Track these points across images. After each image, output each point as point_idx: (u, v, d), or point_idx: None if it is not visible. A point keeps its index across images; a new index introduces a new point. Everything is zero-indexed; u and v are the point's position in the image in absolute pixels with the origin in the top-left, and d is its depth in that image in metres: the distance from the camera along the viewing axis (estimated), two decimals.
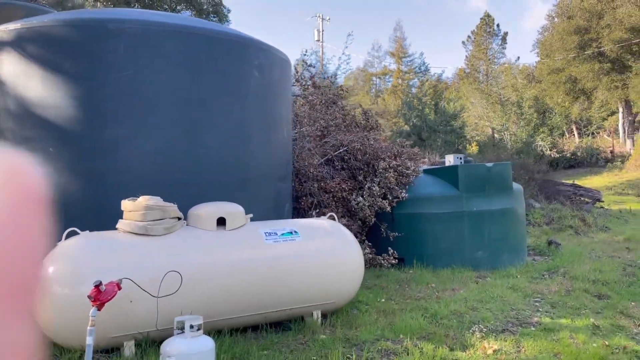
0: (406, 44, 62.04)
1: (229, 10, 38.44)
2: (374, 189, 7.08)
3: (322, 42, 43.12)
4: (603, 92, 36.47)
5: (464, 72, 61.17)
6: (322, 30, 43.66)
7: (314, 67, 10.35)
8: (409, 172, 7.34)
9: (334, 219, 5.02)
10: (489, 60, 57.13)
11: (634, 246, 8.88)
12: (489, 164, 7.38)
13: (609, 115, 39.56)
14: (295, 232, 4.40)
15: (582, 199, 14.44)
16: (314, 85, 10.18)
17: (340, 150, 7.93)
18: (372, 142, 7.71)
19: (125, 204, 3.94)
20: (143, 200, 3.95)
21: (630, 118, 35.91)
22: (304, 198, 7.30)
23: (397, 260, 7.16)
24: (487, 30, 57.50)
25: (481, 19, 58.65)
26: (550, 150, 32.29)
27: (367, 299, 5.37)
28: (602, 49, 33.86)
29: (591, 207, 13.84)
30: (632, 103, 34.56)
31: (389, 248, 7.13)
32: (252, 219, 5.13)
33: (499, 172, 7.43)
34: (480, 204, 7.27)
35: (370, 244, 7.38)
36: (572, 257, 7.83)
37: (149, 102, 4.69)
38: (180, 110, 4.81)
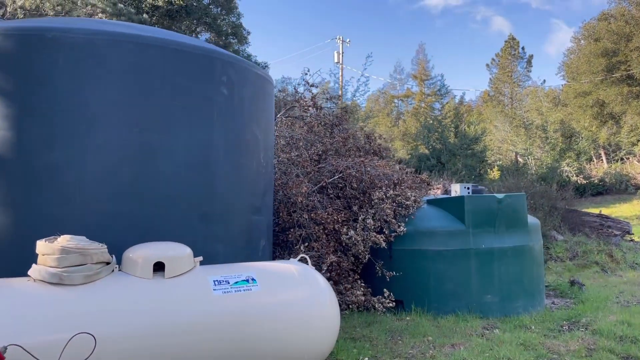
0: (429, 66, 61.48)
1: (248, 32, 38.42)
2: (368, 221, 6.30)
3: (341, 64, 42.79)
4: (632, 117, 35.08)
5: (488, 94, 60.15)
6: (342, 53, 43.30)
7: (316, 87, 9.68)
8: (408, 202, 6.54)
9: (305, 262, 4.26)
10: (514, 83, 56.06)
11: None
12: (500, 195, 6.54)
13: (638, 141, 37.99)
14: (252, 279, 3.65)
15: (609, 230, 13.34)
16: (315, 107, 9.51)
17: (335, 177, 7.19)
18: (369, 169, 6.95)
19: (40, 246, 3.26)
20: (61, 240, 3.26)
21: None
22: (292, 230, 6.56)
23: (394, 302, 6.33)
24: (512, 53, 56.60)
25: (506, 41, 57.81)
26: (577, 176, 30.96)
27: (349, 356, 4.56)
28: (631, 71, 32.64)
29: (620, 240, 12.75)
30: None
31: (385, 289, 6.30)
32: (217, 259, 4.42)
33: (511, 204, 6.58)
34: (489, 241, 6.42)
35: (364, 284, 6.57)
36: (597, 302, 6.88)
37: (91, 122, 4.04)
38: (129, 132, 4.14)
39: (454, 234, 6.41)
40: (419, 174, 27.92)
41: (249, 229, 4.99)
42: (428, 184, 8.85)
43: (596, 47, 34.94)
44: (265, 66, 39.36)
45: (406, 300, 6.49)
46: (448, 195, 7.33)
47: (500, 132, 38.61)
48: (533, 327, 5.68)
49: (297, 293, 3.79)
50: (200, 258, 3.73)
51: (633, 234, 13.35)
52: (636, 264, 10.55)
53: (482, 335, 5.30)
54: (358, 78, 66.55)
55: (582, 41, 39.60)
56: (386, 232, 6.46)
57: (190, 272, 3.54)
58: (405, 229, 6.45)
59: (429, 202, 7.09)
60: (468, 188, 7.05)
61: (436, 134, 31.47)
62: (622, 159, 38.34)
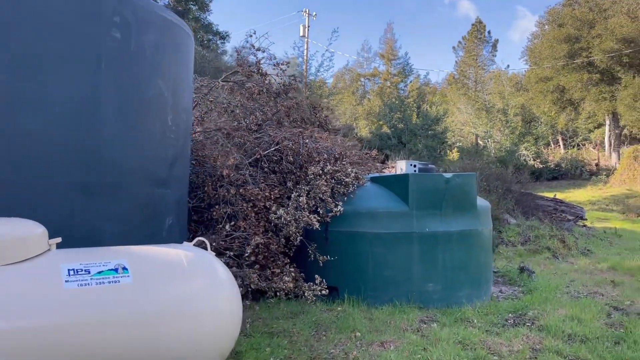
0: (396, 45, 60.77)
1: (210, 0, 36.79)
2: (300, 199, 5.59)
3: (307, 38, 41.61)
4: (591, 104, 35.40)
5: (453, 77, 60.00)
6: (308, 26, 42.10)
7: (264, 51, 8.82)
8: (347, 180, 5.85)
9: (203, 246, 3.52)
10: (479, 66, 56.05)
11: (620, 279, 7.50)
12: (448, 175, 5.92)
13: (595, 127, 38.57)
14: (123, 268, 2.88)
15: (563, 215, 13.10)
16: (260, 73, 8.66)
17: (271, 149, 6.42)
18: (307, 141, 6.21)
19: None
20: None
21: (617, 131, 34.88)
22: (217, 207, 5.80)
23: (328, 289, 5.67)
24: (479, 37, 56.40)
25: (472, 25, 57.57)
26: (534, 160, 31.11)
27: (258, 357, 3.87)
28: (591, 58, 32.76)
29: (573, 225, 12.50)
30: (619, 116, 33.51)
31: (317, 275, 5.63)
32: (103, 240, 3.66)
33: (460, 184, 5.98)
34: (435, 224, 5.82)
35: (296, 268, 5.89)
36: (546, 292, 6.41)
37: None
38: None
39: (396, 216, 5.77)
40: (380, 152, 27.27)
41: (149, 205, 4.20)
42: (382, 162, 8.20)
43: (559, 33, 34.88)
44: (226, 35, 37.94)
45: (341, 287, 5.85)
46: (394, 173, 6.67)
47: (463, 114, 38.49)
48: (475, 320, 5.12)
49: (183, 286, 3.05)
50: (58, 239, 2.93)
51: (586, 219, 13.14)
52: (588, 250, 10.26)
53: (418, 331, 4.70)
54: (323, 53, 65.20)
55: (546, 26, 39.57)
56: (321, 212, 5.77)
57: (37, 258, 2.75)
58: (342, 209, 5.78)
59: (373, 179, 6.43)
60: (414, 165, 6.41)
61: (398, 113, 30.99)
62: (578, 145, 38.89)
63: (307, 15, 41.93)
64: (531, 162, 30.28)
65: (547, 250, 9.89)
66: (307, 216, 5.45)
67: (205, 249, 3.47)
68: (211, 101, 7.55)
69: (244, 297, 5.36)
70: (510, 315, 5.41)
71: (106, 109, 3.77)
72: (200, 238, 3.53)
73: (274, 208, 5.58)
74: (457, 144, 34.20)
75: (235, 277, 5.16)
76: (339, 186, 5.90)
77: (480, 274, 6.15)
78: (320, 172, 5.81)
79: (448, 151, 30.98)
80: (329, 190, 5.80)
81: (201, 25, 34.71)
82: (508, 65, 71.97)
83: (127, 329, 2.76)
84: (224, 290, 3.24)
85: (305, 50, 41.72)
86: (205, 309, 3.10)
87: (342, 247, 5.88)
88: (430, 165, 7.60)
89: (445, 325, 4.91)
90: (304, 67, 39.23)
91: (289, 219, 5.45)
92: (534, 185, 25.45)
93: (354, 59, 62.73)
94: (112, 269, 2.85)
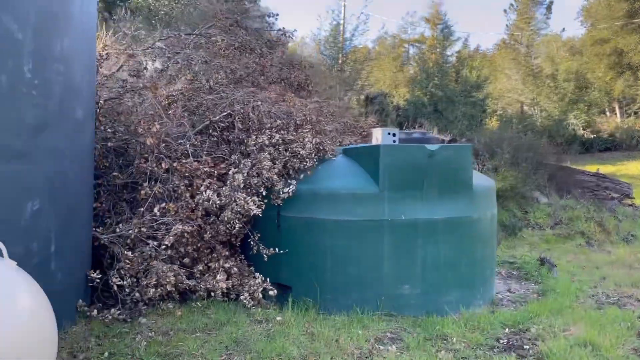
0: (442, 10, 57.65)
1: None
2: (237, 177, 4.42)
3: (344, 1, 39.70)
4: None
5: (504, 42, 56.55)
6: None
7: (247, 3, 7.57)
8: (303, 152, 4.62)
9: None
10: (532, 30, 52.45)
11: None
12: (433, 146, 4.60)
13: None
14: None
15: (606, 192, 11.39)
16: (239, 25, 7.46)
17: (222, 115, 5.25)
18: (258, 103, 4.99)
19: None
20: None
21: None
22: (144, 185, 4.72)
23: (275, 290, 4.54)
24: None
25: None
26: (584, 129, 28.63)
27: None
28: None
29: (617, 205, 10.80)
30: None
31: (257, 273, 4.50)
32: None
33: (449, 159, 4.65)
34: (413, 210, 4.54)
35: (244, 262, 4.78)
36: (564, 296, 5.06)
37: None
38: None
39: (363, 199, 4.53)
40: (414, 122, 25.67)
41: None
42: (364, 132, 6.90)
43: None
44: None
45: (295, 287, 4.70)
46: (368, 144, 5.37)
47: (511, 80, 35.96)
48: (455, 339, 3.88)
49: None
50: None
51: (633, 197, 11.38)
52: (631, 236, 8.65)
53: (367, 358, 3.51)
54: (358, 16, 62.89)
55: None
56: (263, 194, 4.58)
57: None
58: (294, 189, 4.57)
59: (347, 152, 5.17)
60: (393, 135, 5.08)
61: (435, 79, 29.01)
62: (636, 113, 35.71)
63: None
64: (580, 132, 27.87)
65: (580, 236, 8.39)
66: (243, 199, 4.28)
67: (1, 255, 2.37)
68: (168, 57, 6.42)
69: (165, 297, 4.31)
70: (505, 331, 4.13)
71: None
72: None
73: (202, 188, 4.44)
74: (499, 112, 31.92)
75: (151, 274, 4.11)
76: (294, 160, 4.68)
77: (475, 273, 4.86)
78: (267, 142, 4.60)
79: (486, 120, 28.88)
80: (280, 165, 4.60)
81: None
82: (563, 29, 67.33)
83: None
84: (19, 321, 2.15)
85: (343, 15, 39.86)
86: None
87: (296, 237, 4.70)
88: (429, 135, 6.26)
89: (409, 347, 3.70)
90: (341, 30, 37.44)
91: (217, 201, 4.31)
92: (583, 157, 23.30)
93: (394, 22, 60.06)
94: None
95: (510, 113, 31.86)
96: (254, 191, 4.50)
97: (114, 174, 4.96)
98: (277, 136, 4.61)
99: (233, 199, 4.32)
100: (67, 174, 3.71)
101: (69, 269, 3.78)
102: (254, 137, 4.68)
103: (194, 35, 6.82)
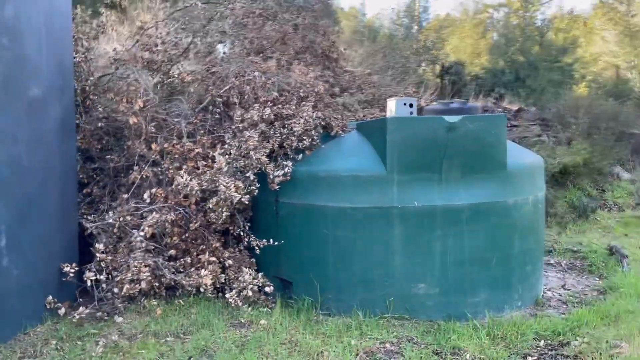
0: None
1: None
2: (218, 158, 3.88)
3: None
4: None
5: (602, 1, 51.63)
6: None
7: None
8: (297, 128, 3.98)
9: None
10: None
11: None
12: (453, 118, 3.80)
13: None
14: None
15: None
16: None
17: (225, 89, 4.72)
18: (254, 74, 4.39)
19: None
20: None
21: None
22: (135, 169, 4.33)
23: (272, 287, 4.00)
24: None
25: None
26: None
27: None
28: None
29: None
30: None
31: (246, 269, 3.97)
32: None
33: (474, 134, 3.83)
34: (429, 195, 3.80)
35: (239, 253, 4.27)
36: (626, 299, 4.12)
37: None
38: None
39: (367, 182, 3.84)
40: (492, 91, 23.94)
41: None
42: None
43: None
44: None
45: (296, 283, 4.13)
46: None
47: (606, 42, 32.61)
48: (469, 354, 3.15)
49: None
50: None
51: None
52: None
53: None
54: None
55: None
56: (251, 177, 4.01)
57: None
58: (288, 172, 3.97)
59: (359, 127, 4.47)
60: (410, 105, 4.28)
61: (517, 44, 26.81)
62: None
63: None
64: None
65: None
66: (224, 183, 3.74)
67: None
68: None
69: (148, 293, 3.92)
70: (539, 345, 3.34)
71: None
72: None
73: (181, 172, 3.95)
74: (588, 77, 29.07)
75: (125, 269, 3.72)
76: (292, 138, 4.06)
77: (511, 269, 4.03)
78: (259, 118, 4.01)
79: (574, 86, 26.38)
80: (275, 144, 4.00)
81: None
82: None
83: None
84: None
85: None
86: None
87: (295, 226, 4.12)
88: (470, 105, 5.37)
89: None
90: None
91: (198, 188, 3.80)
92: None
93: None
94: None
95: (603, 79, 28.91)
96: (245, 175, 3.94)
97: (109, 157, 4.62)
98: (268, 111, 4.01)
99: (216, 184, 3.80)
100: (19, 161, 3.35)
101: (30, 264, 3.45)
102: (239, 112, 4.10)
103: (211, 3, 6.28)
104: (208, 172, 3.89)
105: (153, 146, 4.35)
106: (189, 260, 4.05)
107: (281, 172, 3.93)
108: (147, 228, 3.85)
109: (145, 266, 3.72)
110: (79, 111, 4.54)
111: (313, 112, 4.10)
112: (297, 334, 3.40)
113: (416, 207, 3.78)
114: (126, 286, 3.71)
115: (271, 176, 3.90)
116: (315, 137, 4.09)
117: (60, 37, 3.77)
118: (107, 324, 3.67)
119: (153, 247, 3.97)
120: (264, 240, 4.03)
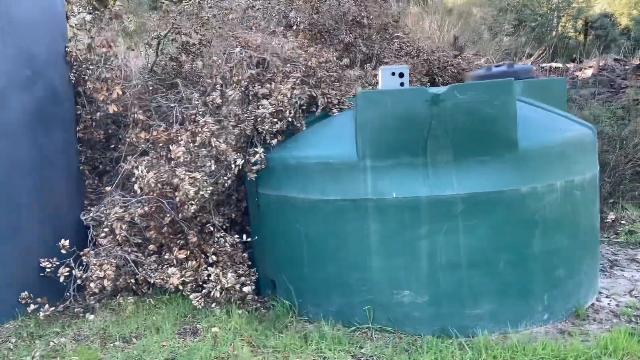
0: None
1: None
2: (175, 149, 3.53)
3: None
4: None
5: None
6: None
7: None
8: (263, 111, 3.47)
9: None
10: None
11: None
12: (440, 89, 3.04)
13: None
14: None
15: None
16: None
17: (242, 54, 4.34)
18: (237, 50, 3.94)
19: None
20: None
21: None
22: (129, 159, 4.19)
23: (253, 287, 3.62)
24: None
25: None
26: None
27: None
28: None
29: None
30: None
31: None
32: None
33: (469, 106, 3.03)
34: (410, 184, 3.11)
35: (232, 248, 3.94)
36: None
37: None
38: None
39: (337, 171, 3.25)
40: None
41: None
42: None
43: None
44: None
45: (278, 282, 3.70)
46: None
47: None
48: None
49: None
50: None
51: None
52: None
53: None
54: None
55: None
56: (212, 167, 3.60)
57: None
58: (259, 159, 3.51)
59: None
60: (400, 75, 3.50)
61: None
62: None
63: None
64: None
65: None
66: (180, 176, 3.40)
67: None
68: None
69: (123, 289, 3.77)
70: None
71: None
72: None
73: (141, 164, 3.67)
74: None
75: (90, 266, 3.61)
76: (266, 122, 3.58)
77: (531, 274, 3.20)
78: (219, 101, 3.58)
79: None
80: (247, 129, 3.56)
81: None
82: None
83: None
84: None
85: None
86: None
87: (272, 219, 3.67)
88: (519, 67, 4.45)
89: None
90: None
91: (154, 180, 3.50)
92: None
93: None
94: None
95: None
96: (206, 165, 3.57)
97: (113, 147, 4.56)
98: (231, 92, 3.56)
99: (170, 177, 3.48)
100: None
101: None
102: (196, 95, 3.71)
103: None
104: (167, 164, 3.59)
105: (142, 135, 4.16)
106: (166, 256, 3.82)
107: (241, 162, 3.47)
108: (115, 222, 3.67)
109: (107, 263, 3.55)
110: (80, 102, 4.50)
111: (292, 89, 3.57)
112: (242, 348, 2.99)
113: (395, 200, 3.11)
114: (92, 283, 3.59)
115: (232, 165, 3.48)
116: (290, 119, 3.56)
117: (26, 26, 3.68)
118: (77, 321, 3.58)
119: (126, 241, 3.80)
120: (236, 236, 3.66)
